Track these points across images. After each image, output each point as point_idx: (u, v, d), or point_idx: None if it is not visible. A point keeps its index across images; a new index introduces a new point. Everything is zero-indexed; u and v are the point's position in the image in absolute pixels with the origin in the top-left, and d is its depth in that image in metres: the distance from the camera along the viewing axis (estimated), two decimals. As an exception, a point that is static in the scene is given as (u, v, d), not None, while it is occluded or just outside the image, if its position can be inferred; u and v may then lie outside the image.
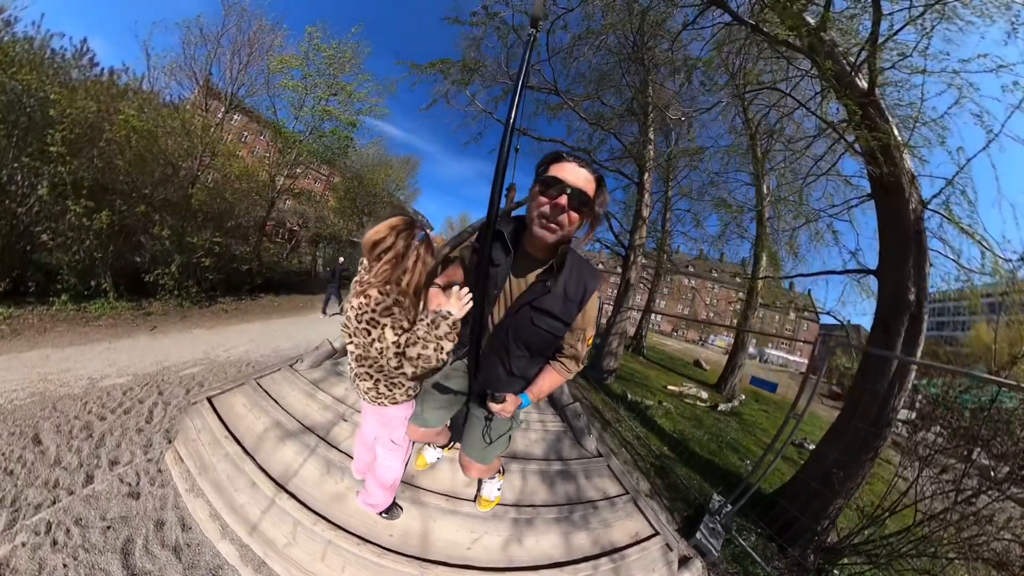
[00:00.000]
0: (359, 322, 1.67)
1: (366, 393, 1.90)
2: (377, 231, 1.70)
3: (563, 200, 1.38)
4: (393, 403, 1.92)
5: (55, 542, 2.35)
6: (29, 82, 6.80)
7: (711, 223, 12.72)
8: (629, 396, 9.50)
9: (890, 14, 4.73)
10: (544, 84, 10.89)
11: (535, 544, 2.50)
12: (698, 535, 3.17)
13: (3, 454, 3.30)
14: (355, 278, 1.80)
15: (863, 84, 4.94)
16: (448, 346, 1.62)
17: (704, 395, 12.04)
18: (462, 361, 1.96)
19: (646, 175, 11.37)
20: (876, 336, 4.71)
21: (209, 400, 3.18)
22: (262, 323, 9.11)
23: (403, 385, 1.91)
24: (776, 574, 3.20)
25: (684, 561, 2.75)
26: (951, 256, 4.81)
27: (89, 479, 3.07)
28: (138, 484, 2.95)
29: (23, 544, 2.28)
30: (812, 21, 5.10)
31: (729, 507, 3.40)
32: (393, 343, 1.63)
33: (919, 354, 4.47)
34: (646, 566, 2.53)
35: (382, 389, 1.88)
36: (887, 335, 4.55)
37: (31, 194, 6.92)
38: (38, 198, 6.91)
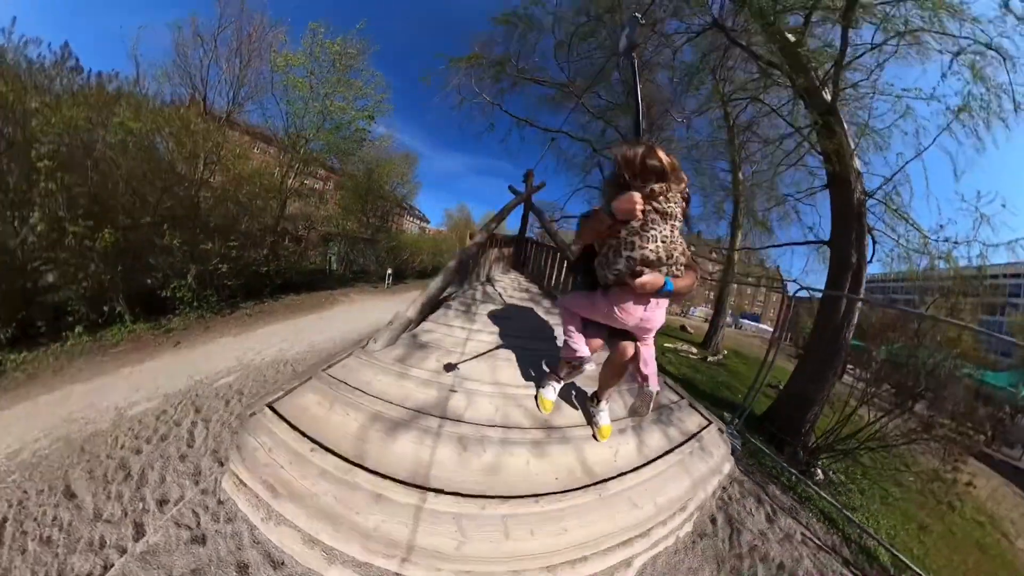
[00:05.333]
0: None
1: None
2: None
3: None
4: None
5: None
6: (4, 96, 5.84)
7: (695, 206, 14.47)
8: None
9: (855, 44, 5.88)
10: (547, 78, 12.20)
11: (651, 442, 2.79)
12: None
13: (36, 519, 2.64)
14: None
15: (827, 96, 6.02)
16: None
17: (694, 350, 14.35)
18: None
19: None
20: (830, 286, 6.25)
21: (271, 407, 2.38)
22: (289, 322, 8.42)
23: None
24: (782, 461, 3.90)
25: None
26: (891, 236, 6.30)
27: (139, 530, 2.37)
28: (199, 525, 2.21)
29: None
30: (792, 37, 6.19)
31: (738, 420, 4.12)
32: None
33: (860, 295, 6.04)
34: (714, 442, 3.18)
35: None
36: (837, 285, 6.05)
37: (23, 224, 6.01)
38: (30, 227, 6.00)
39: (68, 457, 3.32)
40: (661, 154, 1.84)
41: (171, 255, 7.83)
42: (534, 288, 7.63)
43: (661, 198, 1.81)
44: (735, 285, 16.75)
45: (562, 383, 2.87)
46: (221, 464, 2.84)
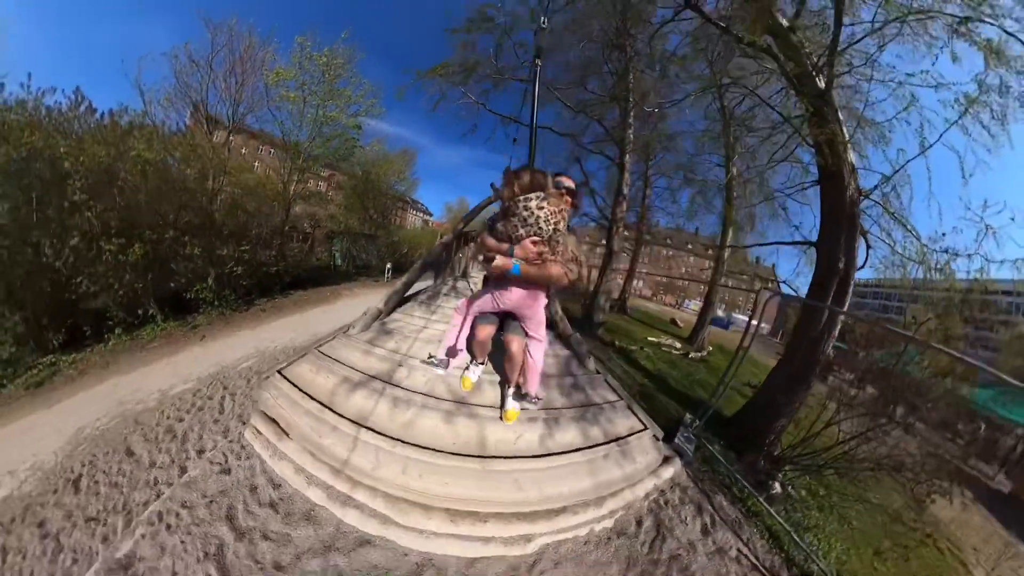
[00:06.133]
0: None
1: None
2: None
3: None
4: None
5: (169, 526, 2.47)
6: (33, 143, 6.61)
7: (685, 198, 14.12)
8: (616, 343, 11.19)
9: (851, 25, 5.19)
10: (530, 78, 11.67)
11: (563, 436, 3.00)
12: (676, 441, 3.66)
13: (104, 472, 3.44)
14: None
15: (822, 84, 5.32)
16: None
17: (678, 345, 13.49)
18: None
19: (626, 156, 12.19)
20: (813, 294, 5.57)
21: (279, 372, 3.38)
22: (297, 316, 9.23)
23: None
24: (735, 471, 3.77)
25: (667, 459, 3.35)
26: (887, 241, 5.61)
27: (183, 470, 3.20)
28: (227, 462, 3.06)
29: (143, 536, 2.40)
30: (785, 22, 5.50)
31: (697, 422, 3.99)
32: None
33: (845, 308, 5.36)
34: (642, 449, 3.21)
35: None
36: (821, 294, 5.35)
37: (64, 247, 6.85)
38: (72, 248, 6.87)
39: (125, 427, 4.17)
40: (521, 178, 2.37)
41: (192, 262, 8.70)
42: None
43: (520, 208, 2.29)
44: (728, 281, 16.51)
45: (481, 367, 3.43)
46: (244, 423, 3.66)
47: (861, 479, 4.34)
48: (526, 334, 2.78)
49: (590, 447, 2.96)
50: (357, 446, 2.72)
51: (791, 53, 5.53)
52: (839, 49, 5.15)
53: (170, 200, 8.58)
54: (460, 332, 2.97)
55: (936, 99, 5.21)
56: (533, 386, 2.94)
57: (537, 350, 2.83)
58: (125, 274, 7.41)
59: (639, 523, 2.77)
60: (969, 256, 5.15)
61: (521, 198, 2.28)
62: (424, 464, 2.60)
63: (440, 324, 4.83)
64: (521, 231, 2.29)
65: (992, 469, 8.75)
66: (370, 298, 11.52)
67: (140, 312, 7.78)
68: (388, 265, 16.98)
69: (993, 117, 5.07)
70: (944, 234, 5.36)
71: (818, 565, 2.83)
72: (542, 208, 2.24)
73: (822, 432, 4.38)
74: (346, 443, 2.76)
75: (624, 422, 3.38)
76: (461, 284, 7.24)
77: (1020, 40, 4.76)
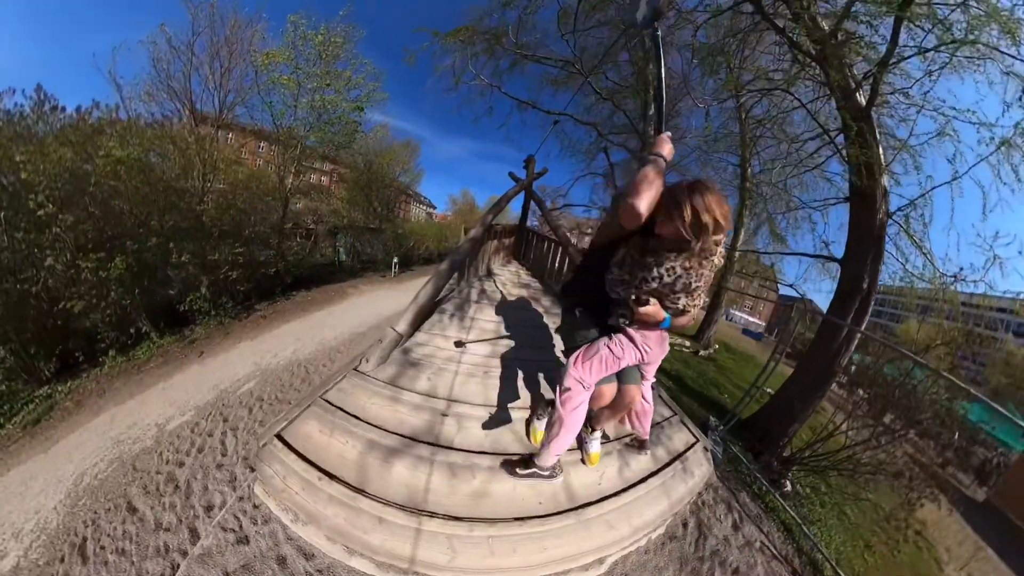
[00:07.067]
0: None
1: None
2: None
3: None
4: None
5: None
6: None
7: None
8: None
9: (904, 46, 4.94)
10: (549, 56, 10.67)
11: (637, 465, 2.77)
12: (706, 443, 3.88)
13: (109, 535, 3.16)
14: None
15: (862, 100, 5.26)
16: None
17: (687, 343, 14.00)
18: None
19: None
20: (834, 310, 5.79)
21: (279, 437, 2.52)
22: (301, 320, 8.73)
23: None
24: (756, 470, 4.04)
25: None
26: (900, 260, 5.81)
27: (194, 534, 2.87)
28: (242, 528, 2.60)
29: None
30: (827, 27, 5.31)
31: (722, 427, 4.28)
32: None
33: (863, 327, 5.65)
34: (697, 461, 3.10)
35: None
36: (842, 310, 5.58)
37: (39, 269, 6.27)
38: (47, 269, 6.28)
39: (124, 476, 3.80)
40: (727, 209, 1.46)
41: (182, 270, 8.09)
42: (535, 283, 7.22)
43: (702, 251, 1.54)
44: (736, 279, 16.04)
45: (554, 476, 2.59)
46: (252, 469, 3.23)
47: (860, 481, 4.74)
48: (642, 376, 2.23)
49: (660, 469, 2.80)
50: (422, 538, 2.07)
51: (836, 64, 5.30)
52: (888, 65, 5.02)
53: (152, 203, 7.84)
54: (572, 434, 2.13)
55: (972, 133, 5.16)
56: (647, 431, 2.61)
57: (649, 393, 2.44)
58: (109, 291, 6.82)
59: (685, 525, 2.89)
60: (975, 282, 5.44)
61: (709, 246, 1.50)
62: (514, 538, 2.10)
63: (478, 347, 3.78)
64: (656, 285, 1.64)
65: (969, 479, 9.44)
66: (376, 295, 11.09)
67: (132, 330, 7.24)
68: (395, 259, 16.28)
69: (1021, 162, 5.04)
70: (962, 268, 5.59)
71: (822, 553, 3.18)
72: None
73: (829, 437, 4.92)
74: (404, 537, 2.08)
75: (680, 436, 3.26)
76: (488, 286, 6.30)
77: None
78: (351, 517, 2.16)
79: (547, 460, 2.16)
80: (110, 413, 5.21)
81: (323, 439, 2.51)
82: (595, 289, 1.92)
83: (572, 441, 2.11)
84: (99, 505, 3.53)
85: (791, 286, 7.32)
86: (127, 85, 11.66)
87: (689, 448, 3.14)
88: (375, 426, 2.61)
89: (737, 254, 13.08)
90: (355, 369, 3.17)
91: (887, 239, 5.56)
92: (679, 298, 1.64)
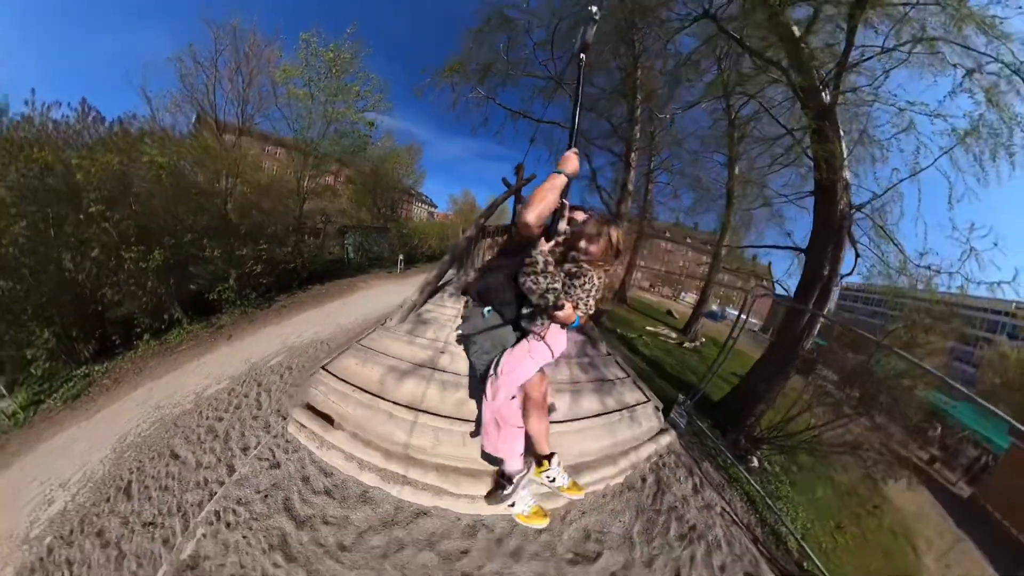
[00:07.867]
0: None
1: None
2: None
3: None
4: None
5: (228, 524, 2.47)
6: (44, 159, 6.50)
7: (685, 194, 15.20)
8: (618, 331, 12.06)
9: (860, 47, 5.36)
10: (539, 71, 11.50)
11: (587, 404, 3.46)
12: (671, 415, 4.19)
13: (153, 476, 3.47)
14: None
15: (827, 98, 5.61)
16: None
17: (673, 335, 14.54)
18: None
19: (632, 154, 12.06)
20: (798, 297, 6.15)
21: (324, 368, 3.46)
22: (317, 309, 9.17)
23: None
24: (720, 444, 4.37)
25: (663, 431, 3.79)
26: (875, 252, 5.93)
27: (231, 468, 3.20)
28: (275, 457, 3.03)
29: (204, 536, 2.39)
30: (797, 31, 5.64)
31: (688, 401, 4.34)
32: None
33: (824, 311, 6.01)
34: (646, 416, 3.72)
35: None
36: (805, 296, 5.93)
37: (84, 260, 6.85)
38: (93, 259, 6.85)
39: (166, 432, 4.17)
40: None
41: (212, 263, 8.67)
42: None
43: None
44: (724, 277, 16.74)
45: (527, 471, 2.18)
46: (284, 418, 3.62)
47: (830, 462, 5.09)
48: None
49: (607, 412, 3.47)
50: (416, 428, 2.87)
51: (799, 65, 5.74)
52: (848, 65, 5.42)
53: (185, 204, 8.52)
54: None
55: (932, 128, 5.46)
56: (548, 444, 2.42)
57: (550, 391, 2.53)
58: (148, 280, 7.40)
59: (643, 480, 3.25)
60: (951, 274, 5.49)
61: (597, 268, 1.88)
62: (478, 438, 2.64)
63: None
64: (580, 293, 1.84)
65: (955, 476, 10.20)
66: (384, 289, 11.51)
67: (165, 317, 7.78)
68: (400, 257, 16.82)
69: (983, 153, 5.26)
70: (925, 252, 5.71)
71: (786, 526, 3.37)
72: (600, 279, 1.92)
73: (796, 417, 5.29)
74: (404, 427, 2.88)
75: (631, 394, 3.91)
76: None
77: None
78: (369, 414, 2.97)
79: (514, 464, 2.09)
80: (148, 387, 5.60)
81: (357, 368, 3.41)
82: (503, 289, 1.95)
83: (521, 435, 2.06)
84: (143, 455, 3.83)
85: (777, 282, 7.48)
86: (155, 98, 12.30)
87: (638, 404, 3.76)
88: (394, 357, 3.57)
89: (723, 250, 13.91)
90: (382, 325, 4.30)
91: (860, 232, 5.87)
92: (589, 302, 1.88)
